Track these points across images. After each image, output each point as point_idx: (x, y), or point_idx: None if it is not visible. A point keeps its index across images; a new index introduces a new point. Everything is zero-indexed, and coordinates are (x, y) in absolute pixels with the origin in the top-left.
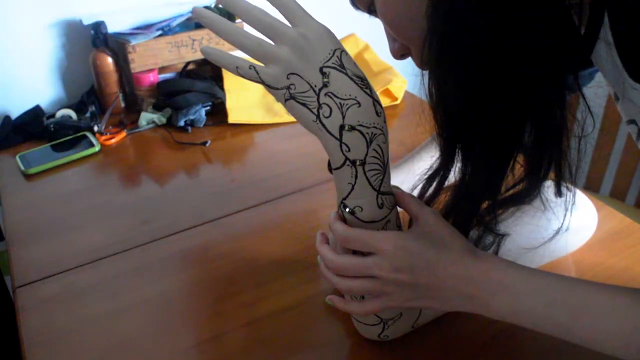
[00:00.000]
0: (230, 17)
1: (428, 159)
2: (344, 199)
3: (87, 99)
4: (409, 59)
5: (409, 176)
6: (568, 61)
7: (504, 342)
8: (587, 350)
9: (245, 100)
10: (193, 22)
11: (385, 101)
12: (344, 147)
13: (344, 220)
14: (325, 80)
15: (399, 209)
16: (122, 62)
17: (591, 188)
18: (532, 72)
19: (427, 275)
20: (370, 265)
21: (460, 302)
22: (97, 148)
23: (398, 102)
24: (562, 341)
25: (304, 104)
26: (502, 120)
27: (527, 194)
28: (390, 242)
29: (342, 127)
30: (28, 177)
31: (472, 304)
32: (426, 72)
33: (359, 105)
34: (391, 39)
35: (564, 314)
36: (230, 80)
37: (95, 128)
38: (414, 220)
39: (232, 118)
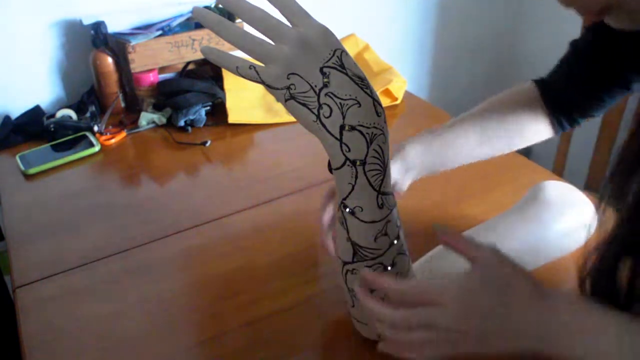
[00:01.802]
0: (231, 17)
1: (455, 141)
2: (344, 199)
3: (87, 99)
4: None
5: (426, 152)
6: None
7: None
8: None
9: (245, 100)
10: (193, 22)
11: (385, 101)
12: (344, 147)
13: (344, 220)
14: (326, 80)
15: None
16: (122, 62)
17: (591, 188)
18: None
19: (494, 323)
20: (434, 317)
21: (530, 345)
22: (97, 148)
23: (398, 102)
24: None
25: (304, 104)
26: None
27: None
28: (451, 293)
29: (342, 127)
30: (28, 177)
31: (541, 347)
32: None
33: (359, 106)
34: None
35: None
36: (230, 80)
37: (95, 128)
38: (472, 262)
39: (232, 118)
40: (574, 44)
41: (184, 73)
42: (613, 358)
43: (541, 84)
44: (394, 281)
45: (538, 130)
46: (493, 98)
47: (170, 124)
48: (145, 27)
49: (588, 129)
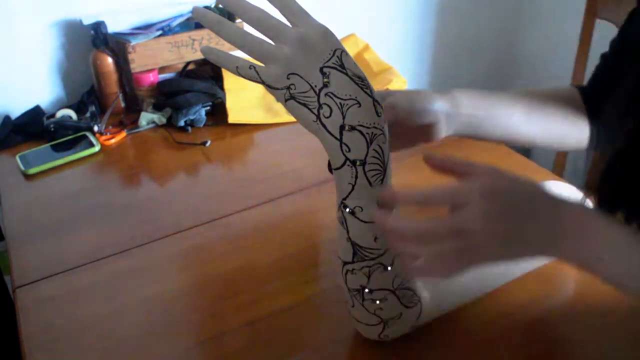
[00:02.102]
0: (231, 17)
1: (504, 108)
2: (344, 199)
3: (87, 99)
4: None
5: (478, 106)
6: None
7: (506, 341)
8: (599, 342)
9: (245, 100)
10: (193, 22)
11: None
12: (344, 147)
13: (344, 220)
14: (326, 80)
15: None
16: (122, 62)
17: (591, 188)
18: None
19: (523, 220)
20: (463, 219)
21: (548, 242)
22: (97, 148)
23: None
24: (572, 334)
25: (304, 104)
26: None
27: None
28: (478, 191)
29: (342, 127)
30: (28, 177)
31: (558, 248)
32: None
33: (359, 106)
34: None
35: None
36: (230, 80)
37: (95, 128)
38: (471, 178)
39: (232, 118)
40: (604, 57)
41: (184, 73)
42: (632, 266)
43: (582, 92)
44: (418, 188)
45: (578, 133)
46: (534, 89)
47: (170, 124)
48: (145, 27)
49: None
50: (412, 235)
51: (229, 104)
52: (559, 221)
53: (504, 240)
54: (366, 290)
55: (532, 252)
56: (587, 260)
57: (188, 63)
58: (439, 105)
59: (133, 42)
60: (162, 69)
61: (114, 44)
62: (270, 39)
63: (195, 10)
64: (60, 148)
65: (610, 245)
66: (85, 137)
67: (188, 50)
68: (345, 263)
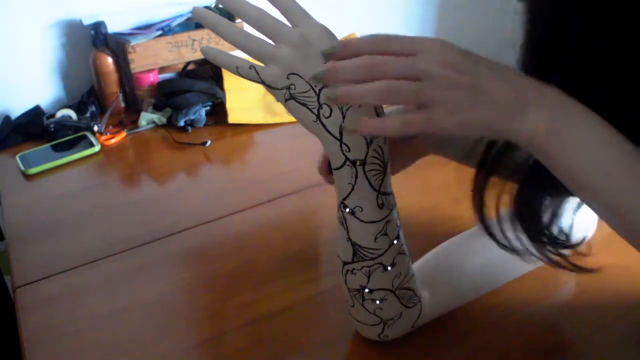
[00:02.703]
0: (231, 17)
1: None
2: (344, 199)
3: (87, 99)
4: None
5: None
6: None
7: (506, 341)
8: (599, 341)
9: (245, 100)
10: (193, 22)
11: None
12: (344, 147)
13: (344, 220)
14: None
15: None
16: (122, 62)
17: None
18: None
19: (485, 74)
20: (420, 61)
21: (515, 104)
22: (97, 148)
23: None
24: (572, 334)
25: (304, 104)
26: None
27: None
28: (436, 40)
29: (342, 127)
30: (28, 177)
31: (525, 113)
32: None
33: (359, 106)
34: None
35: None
36: (230, 80)
37: (95, 128)
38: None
39: (232, 118)
40: None
41: (184, 73)
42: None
43: None
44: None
45: None
46: None
47: (170, 124)
48: (145, 27)
49: None
50: (366, 64)
51: (229, 104)
52: (527, 87)
53: (465, 91)
54: (366, 290)
55: (497, 114)
56: (552, 139)
57: (188, 63)
58: None
59: (133, 42)
60: (162, 69)
61: (114, 44)
62: (270, 38)
63: (195, 10)
64: (60, 148)
65: (577, 120)
66: (85, 137)
67: (188, 50)
68: (345, 263)
